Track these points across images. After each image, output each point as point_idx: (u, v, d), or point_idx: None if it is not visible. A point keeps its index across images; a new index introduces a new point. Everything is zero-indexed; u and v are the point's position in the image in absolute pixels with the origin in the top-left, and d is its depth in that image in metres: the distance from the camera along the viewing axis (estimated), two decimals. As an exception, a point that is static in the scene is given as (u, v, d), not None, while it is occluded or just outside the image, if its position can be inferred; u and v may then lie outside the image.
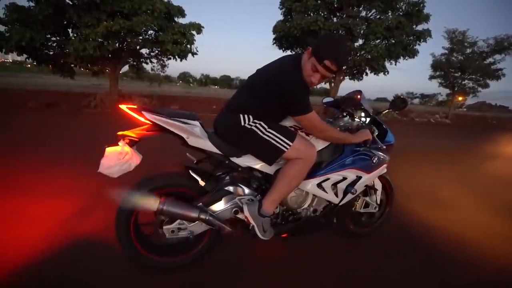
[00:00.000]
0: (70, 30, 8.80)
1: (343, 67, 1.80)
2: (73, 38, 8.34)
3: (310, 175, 1.50)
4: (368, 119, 1.75)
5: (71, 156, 3.46)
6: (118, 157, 1.25)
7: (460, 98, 19.26)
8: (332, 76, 1.57)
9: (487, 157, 5.97)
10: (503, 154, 6.57)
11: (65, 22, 8.43)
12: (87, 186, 2.47)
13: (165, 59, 10.40)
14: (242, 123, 1.37)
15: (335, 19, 11.95)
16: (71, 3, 7.88)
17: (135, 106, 1.29)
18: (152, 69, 11.22)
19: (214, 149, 1.39)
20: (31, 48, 7.68)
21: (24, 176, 2.66)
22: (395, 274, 1.68)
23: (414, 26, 11.78)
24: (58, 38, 8.65)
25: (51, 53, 8.68)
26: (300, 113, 1.35)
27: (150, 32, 9.03)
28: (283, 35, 12.19)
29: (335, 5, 11.82)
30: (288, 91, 1.32)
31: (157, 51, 9.86)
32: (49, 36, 8.34)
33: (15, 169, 2.87)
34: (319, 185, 1.55)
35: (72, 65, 9.48)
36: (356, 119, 1.71)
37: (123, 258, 1.53)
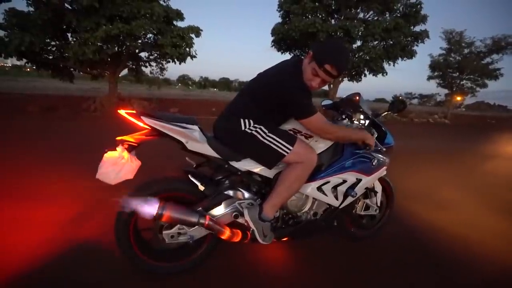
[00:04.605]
0: (69, 35, 8.79)
1: (344, 72, 1.81)
2: (72, 42, 8.34)
3: (310, 178, 1.50)
4: (367, 121, 1.75)
5: (70, 160, 3.45)
6: (116, 163, 1.25)
7: (458, 98, 19.32)
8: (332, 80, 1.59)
9: (485, 156, 5.98)
10: (500, 154, 6.58)
11: (64, 27, 8.43)
12: (86, 191, 2.47)
13: (164, 62, 10.39)
14: (243, 127, 1.37)
15: (333, 21, 12.02)
16: (70, 7, 7.91)
17: (134, 111, 1.29)
18: (151, 72, 11.22)
19: (214, 154, 1.39)
20: (31, 52, 7.68)
21: (23, 181, 2.65)
22: (399, 276, 1.68)
23: (412, 27, 11.84)
24: (57, 42, 8.65)
25: (50, 57, 8.68)
26: (305, 116, 1.35)
27: (149, 35, 9.03)
28: (281, 38, 12.24)
29: (333, 7, 11.89)
30: (289, 95, 1.32)
31: (156, 55, 9.86)
32: (48, 40, 8.34)
33: (13, 173, 2.86)
34: (319, 188, 1.55)
35: (72, 69, 9.49)
36: (355, 122, 1.71)
37: (122, 262, 1.52)
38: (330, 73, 1.31)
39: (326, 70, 1.30)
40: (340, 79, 13.22)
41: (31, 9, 7.90)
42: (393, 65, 12.46)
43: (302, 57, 1.45)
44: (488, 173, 4.55)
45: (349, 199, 1.64)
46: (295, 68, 1.37)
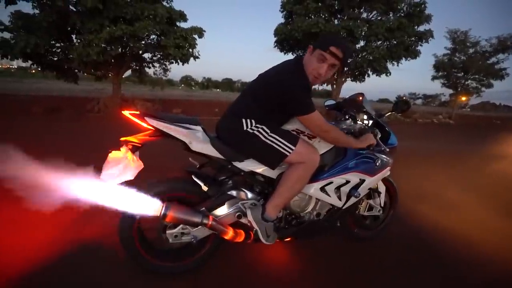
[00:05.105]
0: (73, 36, 8.90)
1: (348, 60, 1.79)
2: (76, 44, 8.42)
3: (313, 178, 1.49)
4: (370, 122, 1.74)
5: (73, 161, 3.47)
6: (119, 163, 1.26)
7: (463, 98, 19.12)
8: (338, 68, 1.57)
9: (489, 157, 5.91)
10: (504, 154, 6.50)
11: (68, 28, 8.53)
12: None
13: (167, 63, 10.45)
14: (245, 128, 1.37)
15: (336, 21, 11.98)
16: (74, 9, 7.99)
17: (137, 112, 1.30)
18: (154, 73, 11.29)
19: (217, 154, 1.40)
20: (36, 54, 7.77)
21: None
22: (403, 276, 1.67)
23: (416, 27, 11.76)
24: (62, 44, 8.75)
25: (55, 59, 8.78)
26: (303, 113, 1.35)
27: (153, 36, 9.09)
28: (284, 38, 12.22)
29: (336, 7, 11.86)
30: (290, 93, 1.32)
31: (159, 56, 9.92)
32: (53, 42, 8.43)
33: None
34: (322, 189, 1.54)
35: (76, 70, 9.59)
36: (358, 122, 1.71)
37: (127, 263, 1.53)
38: (336, 55, 1.32)
39: (332, 52, 1.31)
40: (343, 79, 13.19)
41: (37, 11, 8.01)
42: (397, 65, 12.40)
43: (302, 56, 1.45)
44: (491, 174, 4.50)
45: (352, 200, 1.64)
46: (296, 66, 1.38)
